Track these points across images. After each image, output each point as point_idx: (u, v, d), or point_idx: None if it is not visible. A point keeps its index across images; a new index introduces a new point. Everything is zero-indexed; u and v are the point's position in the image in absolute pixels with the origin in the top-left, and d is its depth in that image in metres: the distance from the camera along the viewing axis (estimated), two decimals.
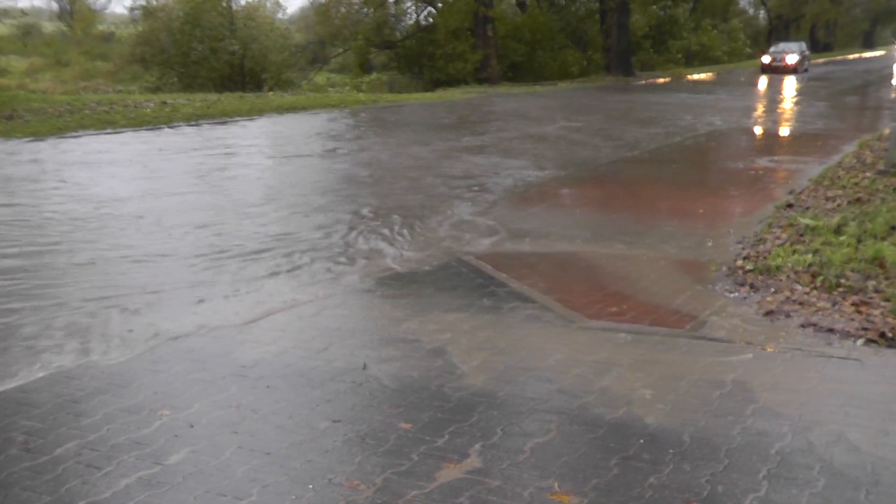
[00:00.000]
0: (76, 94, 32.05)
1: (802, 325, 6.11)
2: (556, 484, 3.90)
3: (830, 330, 5.99)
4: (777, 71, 50.27)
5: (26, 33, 64.77)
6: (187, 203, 10.70)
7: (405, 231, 9.25)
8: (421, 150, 16.23)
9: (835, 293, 6.75)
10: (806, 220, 8.95)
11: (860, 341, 5.79)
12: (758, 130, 21.11)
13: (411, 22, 54.55)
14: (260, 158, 15.08)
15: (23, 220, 9.67)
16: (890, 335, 5.82)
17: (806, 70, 52.01)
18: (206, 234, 9.05)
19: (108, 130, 18.51)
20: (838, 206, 9.98)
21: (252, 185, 12.16)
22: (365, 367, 5.34)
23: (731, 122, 22.05)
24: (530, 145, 16.89)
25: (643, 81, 45.01)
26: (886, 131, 16.21)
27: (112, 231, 9.21)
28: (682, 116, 23.53)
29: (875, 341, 5.77)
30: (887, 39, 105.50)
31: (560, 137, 18.47)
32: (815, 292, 6.79)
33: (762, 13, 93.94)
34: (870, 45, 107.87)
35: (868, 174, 12.12)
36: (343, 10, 52.11)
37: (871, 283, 6.90)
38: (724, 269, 7.66)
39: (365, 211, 10.31)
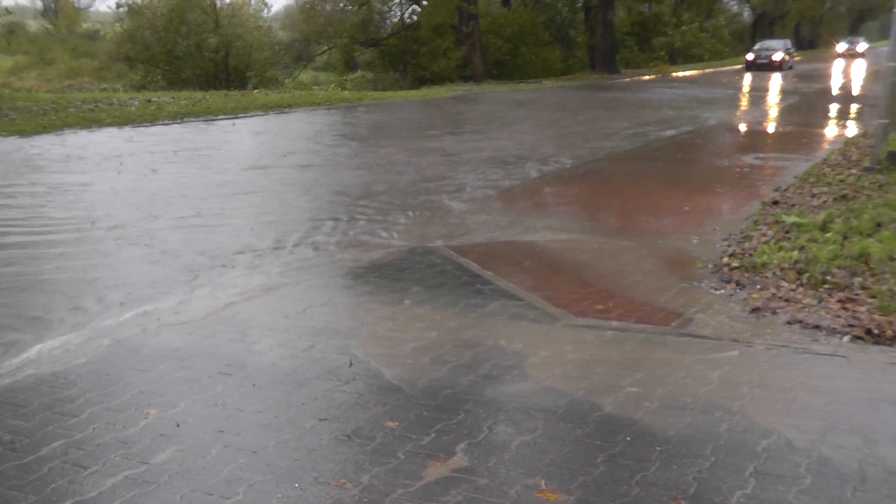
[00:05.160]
0: (61, 93, 32.00)
1: (788, 322, 6.12)
2: (542, 482, 3.90)
3: (816, 327, 6.01)
4: (761, 68, 50.49)
5: (10, 31, 64.66)
6: (166, 199, 10.68)
7: (390, 228, 9.24)
8: (407, 146, 16.24)
9: (821, 290, 6.77)
10: (791, 218, 8.97)
11: (846, 338, 5.81)
12: (742, 127, 21.16)
13: (396, 20, 54.62)
14: (244, 153, 15.05)
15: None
16: (876, 332, 5.83)
17: (790, 67, 52.16)
18: (185, 231, 9.04)
19: (93, 128, 18.48)
20: (824, 203, 10.00)
21: (237, 180, 12.14)
22: (351, 365, 5.33)
23: (715, 120, 22.11)
24: (519, 142, 16.90)
25: (628, 79, 45.07)
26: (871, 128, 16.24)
27: (89, 224, 9.19)
28: (667, 113, 23.61)
29: (861, 338, 5.78)
30: (872, 36, 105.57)
31: (548, 135, 18.49)
32: (801, 289, 6.81)
33: (746, 10, 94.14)
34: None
35: (854, 171, 12.15)
36: (328, 7, 52.12)
37: (857, 280, 6.92)
38: (710, 266, 7.67)
39: (349, 208, 10.29)
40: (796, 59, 56.28)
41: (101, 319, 6.27)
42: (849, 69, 50.58)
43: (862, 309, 6.29)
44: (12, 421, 4.58)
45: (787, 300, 6.57)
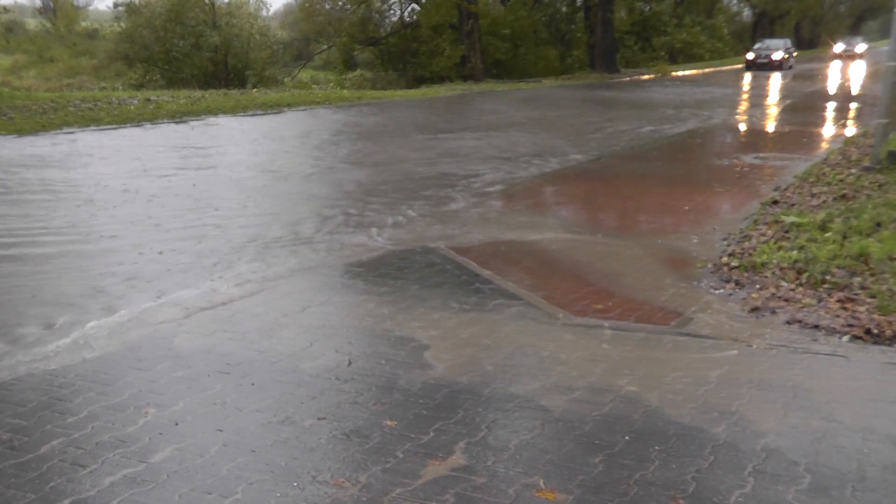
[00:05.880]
0: (60, 92, 32.02)
1: (788, 322, 6.11)
2: (541, 481, 3.89)
3: (816, 326, 6.00)
4: (762, 68, 50.57)
5: (9, 30, 64.70)
6: (162, 198, 10.67)
7: (390, 227, 9.23)
8: (407, 145, 16.25)
9: (820, 290, 6.77)
10: (791, 217, 8.97)
11: (846, 338, 5.80)
12: (742, 127, 21.16)
13: (395, 19, 54.65)
14: (242, 152, 15.04)
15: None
16: (875, 332, 5.83)
17: (790, 67, 52.19)
18: (183, 230, 9.03)
19: (92, 127, 18.48)
20: (823, 202, 10.00)
21: (234, 179, 12.13)
22: (349, 364, 5.33)
23: (715, 119, 22.12)
24: (518, 141, 16.92)
25: (628, 78, 45.07)
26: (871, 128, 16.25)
27: (89, 222, 9.19)
28: (667, 112, 23.62)
29: (860, 338, 5.78)
30: (873, 36, 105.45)
31: (547, 134, 18.50)
32: (800, 289, 6.81)
33: (746, 10, 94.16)
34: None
35: (853, 171, 12.15)
36: (327, 6, 52.15)
37: (857, 280, 6.91)
38: (710, 265, 7.67)
39: (348, 206, 10.30)
40: (794, 54, 56.23)
41: (99, 318, 6.26)
42: (846, 71, 50.40)
43: (861, 309, 6.29)
44: (11, 419, 4.57)
45: (786, 300, 6.57)
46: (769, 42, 57.06)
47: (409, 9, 53.62)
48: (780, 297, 6.62)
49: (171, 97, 26.02)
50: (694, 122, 21.11)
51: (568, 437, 4.33)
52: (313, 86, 44.23)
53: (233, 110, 22.70)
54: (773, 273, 7.22)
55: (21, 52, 60.99)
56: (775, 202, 10.29)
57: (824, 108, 25.74)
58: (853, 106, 25.86)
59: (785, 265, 7.37)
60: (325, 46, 56.50)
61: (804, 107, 25.91)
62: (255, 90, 33.34)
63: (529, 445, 4.24)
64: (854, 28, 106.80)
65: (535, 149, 15.85)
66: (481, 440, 4.29)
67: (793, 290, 6.80)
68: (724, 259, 7.78)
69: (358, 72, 53.86)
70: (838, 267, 7.25)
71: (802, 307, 6.40)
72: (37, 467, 4.06)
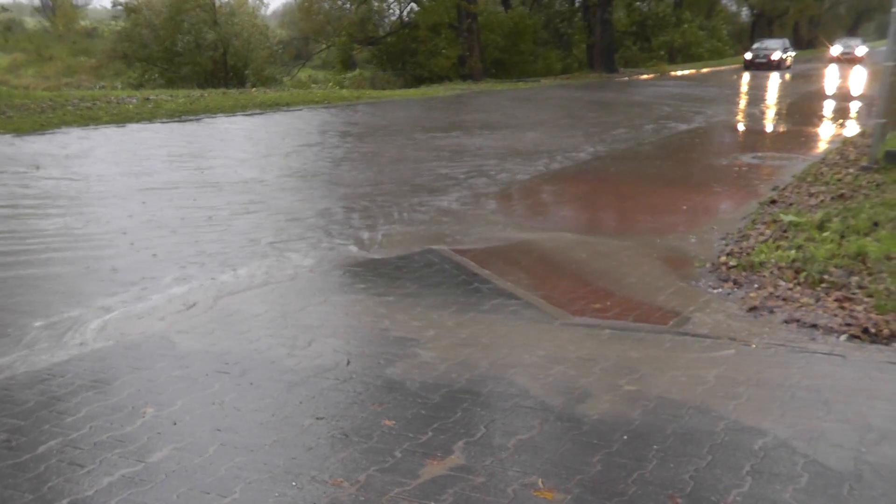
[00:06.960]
0: (59, 90, 31.99)
1: (786, 321, 6.12)
2: (539, 480, 3.89)
3: (814, 326, 6.01)
4: (760, 68, 50.64)
5: (7, 28, 64.66)
6: (159, 197, 10.66)
7: (388, 226, 9.23)
8: (407, 144, 16.25)
9: (818, 289, 6.77)
10: (789, 217, 8.97)
11: (843, 337, 5.81)
12: (741, 126, 21.18)
13: (394, 18, 54.59)
14: (241, 152, 15.03)
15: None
16: (873, 331, 5.83)
17: (789, 67, 52.24)
18: (182, 229, 9.02)
19: (91, 126, 18.46)
20: (822, 202, 10.00)
21: (232, 179, 12.12)
22: (348, 363, 5.33)
23: (713, 118, 22.13)
24: (516, 141, 16.91)
25: (626, 78, 45.04)
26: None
27: (86, 221, 9.18)
28: (665, 112, 23.62)
29: (858, 337, 5.79)
30: (870, 37, 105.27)
31: (546, 134, 18.50)
32: (798, 288, 6.81)
33: (745, 10, 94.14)
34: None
35: (851, 170, 12.16)
36: (326, 5, 52.08)
37: (855, 279, 6.92)
38: (708, 265, 7.67)
39: (347, 206, 10.29)
40: (792, 55, 56.24)
41: (97, 318, 6.26)
42: (846, 77, 50.19)
43: (859, 308, 6.29)
44: (9, 419, 4.57)
45: (784, 299, 6.57)
46: (767, 42, 57.13)
47: (408, 8, 53.58)
48: (778, 297, 6.63)
49: (169, 96, 25.96)
50: (692, 122, 21.13)
51: (566, 436, 4.33)
52: (312, 85, 44.19)
53: (232, 109, 22.67)
54: (772, 272, 7.23)
55: (19, 51, 60.92)
56: (773, 202, 10.30)
57: (822, 108, 25.74)
58: (851, 106, 25.85)
59: (783, 264, 7.38)
60: (324, 46, 56.42)
61: (802, 106, 25.91)
62: (254, 89, 33.29)
63: (528, 445, 4.24)
64: (852, 29, 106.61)
65: (534, 148, 15.85)
66: (480, 440, 4.30)
67: (791, 289, 6.80)
68: (723, 258, 7.78)
69: (357, 71, 53.80)
70: (836, 266, 7.26)
71: (800, 306, 6.41)
72: (34, 467, 4.06)
